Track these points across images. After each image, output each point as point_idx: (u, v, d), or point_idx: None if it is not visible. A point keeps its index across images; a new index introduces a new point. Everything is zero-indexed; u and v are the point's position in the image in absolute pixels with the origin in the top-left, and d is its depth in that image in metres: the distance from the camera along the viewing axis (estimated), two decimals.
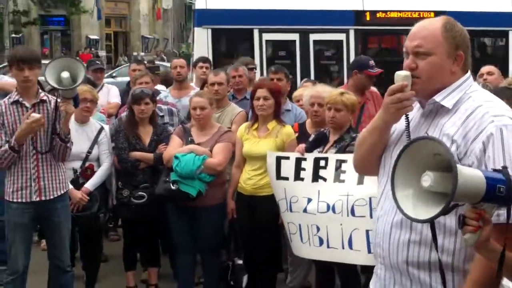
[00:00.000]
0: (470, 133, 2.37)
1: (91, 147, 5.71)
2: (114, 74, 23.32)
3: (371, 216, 4.40)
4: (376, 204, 2.66)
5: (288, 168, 5.01)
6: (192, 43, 15.78)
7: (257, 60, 12.63)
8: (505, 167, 2.11)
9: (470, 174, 2.03)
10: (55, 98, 4.84)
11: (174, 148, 5.47)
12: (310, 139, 5.19)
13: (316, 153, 5.00)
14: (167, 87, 7.99)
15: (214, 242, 5.54)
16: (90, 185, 5.61)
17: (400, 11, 12.81)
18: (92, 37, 39.72)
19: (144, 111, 5.76)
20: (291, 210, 4.95)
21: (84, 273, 5.99)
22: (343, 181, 4.71)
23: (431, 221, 2.15)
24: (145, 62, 11.83)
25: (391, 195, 2.31)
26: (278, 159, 5.09)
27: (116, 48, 46.42)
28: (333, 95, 5.10)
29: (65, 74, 4.58)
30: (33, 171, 4.80)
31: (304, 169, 4.93)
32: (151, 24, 47.99)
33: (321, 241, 4.76)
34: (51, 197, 4.87)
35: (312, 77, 12.16)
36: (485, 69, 7.00)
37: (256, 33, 12.92)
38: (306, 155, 4.98)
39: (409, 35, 2.53)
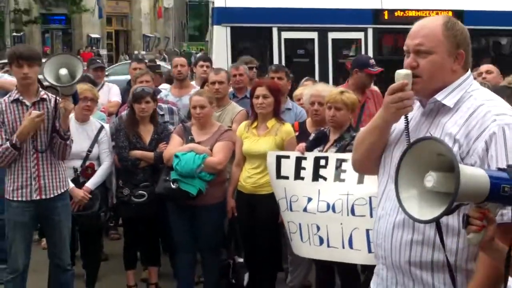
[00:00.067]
0: (473, 132, 2.36)
1: (92, 146, 5.70)
2: (106, 73, 23.19)
3: (371, 216, 4.40)
4: (377, 204, 2.65)
5: (288, 167, 5.00)
6: (209, 41, 15.79)
7: (275, 59, 12.73)
8: (510, 166, 2.10)
9: (473, 174, 2.02)
10: (54, 96, 4.84)
11: (174, 147, 5.47)
12: (310, 138, 5.19)
13: (316, 152, 5.00)
14: None
15: (214, 241, 5.54)
16: (91, 184, 5.61)
17: (418, 10, 12.84)
18: (93, 35, 39.72)
19: (145, 110, 5.75)
20: (291, 209, 4.95)
21: (84, 272, 5.99)
22: (343, 180, 4.70)
23: (434, 222, 2.14)
24: (146, 61, 11.83)
25: (393, 195, 2.30)
26: (278, 158, 5.09)
27: (117, 47, 46.46)
28: (333, 94, 5.10)
29: (63, 71, 4.56)
30: (33, 169, 4.80)
31: (304, 168, 4.92)
32: (152, 23, 48.01)
33: (321, 241, 4.76)
34: (51, 195, 4.87)
35: (331, 75, 12.20)
36: (484, 67, 7.00)
37: (275, 32, 12.97)
38: (306, 154, 4.98)
39: (409, 33, 2.52)
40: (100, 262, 6.15)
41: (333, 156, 4.86)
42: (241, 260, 5.71)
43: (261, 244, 5.44)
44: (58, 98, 4.76)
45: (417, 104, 2.56)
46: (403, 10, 13.17)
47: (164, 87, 8.05)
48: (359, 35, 13.36)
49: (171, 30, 52.72)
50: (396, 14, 13.25)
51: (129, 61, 23.48)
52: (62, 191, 4.95)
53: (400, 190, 2.14)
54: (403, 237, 2.46)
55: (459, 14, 12.85)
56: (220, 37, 12.87)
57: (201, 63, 8.05)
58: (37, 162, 4.81)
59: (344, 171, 4.70)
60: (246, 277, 5.59)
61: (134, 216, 5.77)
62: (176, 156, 5.31)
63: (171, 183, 5.28)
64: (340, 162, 4.76)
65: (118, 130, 5.85)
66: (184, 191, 5.24)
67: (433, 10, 12.55)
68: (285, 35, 13.04)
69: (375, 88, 6.92)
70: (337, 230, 4.65)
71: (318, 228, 4.75)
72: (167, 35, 50.04)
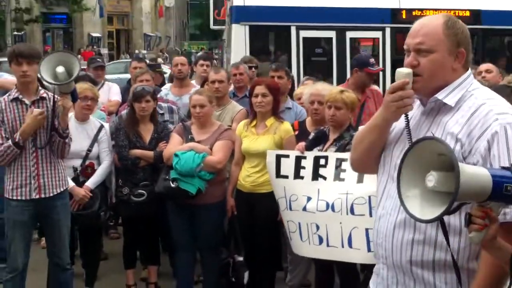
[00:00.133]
0: (475, 131, 2.36)
1: (91, 145, 5.70)
2: None
3: (370, 215, 4.41)
4: (377, 203, 2.64)
5: (288, 166, 5.00)
6: (226, 40, 15.83)
7: (293, 57, 12.75)
8: None
9: (474, 173, 2.01)
10: (53, 94, 4.83)
11: (174, 146, 5.46)
12: (310, 137, 5.19)
13: (316, 152, 4.99)
14: None
15: (214, 240, 5.53)
16: (91, 183, 5.61)
17: (436, 9, 12.84)
18: (94, 34, 39.71)
19: (145, 109, 5.75)
20: (290, 209, 4.95)
21: (83, 271, 5.99)
22: (343, 179, 4.70)
23: (435, 221, 2.14)
24: (146, 60, 11.83)
25: (394, 194, 2.30)
26: (278, 157, 5.08)
27: (118, 46, 46.46)
28: (333, 93, 5.10)
29: (60, 69, 4.54)
30: (33, 168, 4.80)
31: (304, 168, 4.92)
32: (153, 22, 48.03)
33: (320, 240, 4.76)
34: (51, 194, 4.87)
35: (348, 74, 12.24)
36: (483, 66, 7.00)
37: (293, 30, 12.99)
38: (306, 153, 4.98)
39: (410, 32, 2.52)
40: (100, 261, 6.15)
41: (333, 155, 4.86)
42: (241, 258, 5.71)
43: (261, 243, 5.44)
44: (56, 96, 4.75)
45: (417, 102, 2.56)
46: (421, 10, 13.19)
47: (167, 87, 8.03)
48: (377, 34, 13.42)
49: (172, 29, 52.76)
50: (413, 13, 13.27)
51: (122, 60, 23.51)
52: (62, 190, 4.94)
53: (402, 190, 2.13)
54: (404, 236, 2.45)
55: (476, 14, 12.89)
56: (238, 36, 12.91)
57: (201, 62, 8.06)
58: (37, 161, 4.81)
59: (344, 170, 4.69)
60: (246, 275, 5.59)
61: (134, 215, 5.77)
62: (176, 155, 5.30)
63: (171, 182, 5.28)
64: (340, 161, 4.76)
65: (118, 129, 5.85)
66: (183, 190, 5.24)
67: (450, 10, 12.59)
68: (303, 34, 13.09)
69: (375, 87, 6.92)
70: (336, 229, 4.65)
71: (318, 227, 4.75)
72: (168, 34, 50.06)
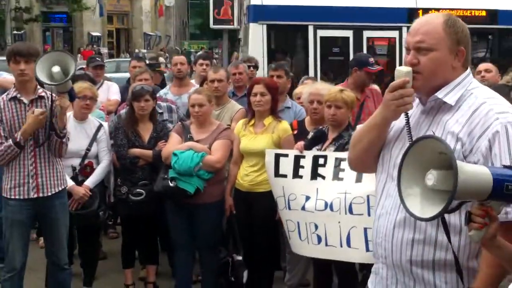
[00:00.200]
0: (475, 130, 2.35)
1: (90, 145, 5.69)
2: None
3: (369, 214, 4.40)
4: (376, 202, 2.63)
5: (286, 165, 5.00)
6: (242, 39, 15.86)
7: (310, 56, 12.81)
8: None
9: (474, 171, 2.01)
10: (51, 93, 4.82)
11: (173, 145, 5.46)
12: (309, 136, 5.18)
13: (315, 151, 4.99)
14: None
15: (212, 240, 5.52)
16: (90, 182, 5.60)
17: (452, 9, 12.87)
18: (94, 34, 39.65)
19: (144, 108, 5.74)
20: (289, 208, 4.94)
21: (82, 270, 5.98)
22: (341, 179, 4.70)
23: (434, 220, 2.13)
24: (146, 60, 11.81)
25: (393, 193, 2.29)
26: (277, 157, 5.08)
27: (118, 45, 46.43)
28: (333, 93, 5.09)
29: (56, 69, 4.51)
30: (31, 167, 4.79)
31: (302, 167, 4.92)
32: (153, 21, 48.01)
33: (319, 239, 4.76)
34: (49, 193, 4.86)
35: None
36: (483, 66, 6.99)
37: (310, 30, 13.04)
38: (305, 152, 4.97)
39: (410, 30, 2.52)
40: (98, 260, 6.14)
41: (332, 155, 4.85)
42: (240, 258, 5.70)
43: (259, 242, 5.44)
44: (54, 95, 4.74)
45: (416, 101, 2.55)
46: (437, 9, 13.23)
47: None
48: (394, 33, 13.48)
49: (172, 29, 52.74)
50: (430, 13, 13.31)
51: (114, 59, 23.44)
52: (60, 189, 4.93)
53: (402, 188, 2.13)
54: (404, 236, 2.45)
55: (493, 14, 12.90)
56: (256, 35, 12.97)
57: (200, 61, 8.06)
58: (35, 160, 4.80)
59: (343, 170, 4.69)
60: (245, 275, 5.58)
61: (132, 215, 5.76)
62: (175, 154, 5.30)
63: (169, 181, 5.27)
64: (339, 161, 4.76)
65: (117, 128, 5.84)
66: (181, 189, 5.23)
67: (466, 10, 12.61)
68: (321, 33, 13.15)
69: (375, 86, 6.92)
70: (335, 229, 4.64)
71: (316, 227, 4.75)
72: (168, 34, 50.02)
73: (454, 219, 2.34)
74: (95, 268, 6.00)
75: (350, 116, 5.19)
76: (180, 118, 6.28)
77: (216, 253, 5.58)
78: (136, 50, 35.74)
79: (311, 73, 12.49)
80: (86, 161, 5.67)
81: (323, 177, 4.80)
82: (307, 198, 4.80)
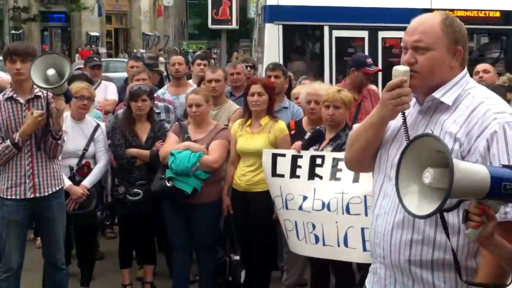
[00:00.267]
0: (473, 130, 2.35)
1: (88, 145, 5.68)
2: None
3: (366, 214, 4.40)
4: (373, 202, 2.63)
5: (284, 165, 4.99)
6: (256, 39, 15.86)
7: (326, 57, 12.81)
8: None
9: (471, 170, 2.01)
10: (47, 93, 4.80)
11: (170, 145, 5.45)
12: (306, 136, 5.17)
13: (312, 151, 4.99)
14: None
15: (210, 240, 5.52)
16: (87, 182, 5.59)
17: (466, 10, 12.87)
18: (92, 33, 39.62)
19: (141, 108, 5.73)
20: (287, 208, 4.94)
21: (79, 270, 5.97)
22: (339, 179, 4.70)
23: (430, 217, 2.12)
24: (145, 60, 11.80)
25: (391, 193, 2.29)
26: (274, 156, 5.08)
27: (116, 45, 46.39)
28: (331, 93, 5.09)
29: (51, 72, 4.49)
30: (28, 167, 4.78)
31: (300, 167, 4.91)
32: (152, 21, 47.98)
33: (317, 239, 4.75)
34: (46, 193, 4.85)
35: (380, 74, 12.30)
36: (481, 67, 7.00)
37: (326, 30, 13.04)
38: (303, 152, 4.97)
39: (407, 29, 2.52)
40: (95, 260, 6.13)
41: (329, 155, 4.85)
42: (237, 258, 5.70)
43: (256, 242, 5.45)
44: (50, 95, 4.72)
45: (413, 101, 2.54)
46: (452, 10, 13.20)
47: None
48: None
49: (171, 29, 52.69)
50: None
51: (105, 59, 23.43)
52: (57, 189, 4.93)
53: (400, 186, 2.13)
54: (403, 236, 2.44)
55: (507, 15, 12.89)
56: (272, 35, 12.96)
57: (198, 61, 8.05)
58: (32, 160, 4.79)
59: (340, 170, 4.68)
60: (243, 275, 5.58)
61: (130, 215, 5.76)
62: (172, 154, 5.29)
63: (166, 181, 5.27)
64: (336, 161, 4.75)
65: (114, 128, 5.84)
66: (179, 189, 5.23)
67: (481, 11, 12.60)
68: (336, 33, 13.14)
69: (372, 87, 6.92)
70: (332, 229, 4.64)
71: (314, 227, 4.74)
72: (167, 34, 49.98)
73: (453, 218, 2.33)
74: (93, 268, 5.99)
75: (347, 116, 5.18)
76: (177, 118, 6.27)
77: (213, 253, 5.58)
78: (134, 50, 35.73)
79: (326, 73, 12.50)
80: (83, 161, 5.66)
81: (321, 177, 4.80)
82: (305, 198, 4.80)
